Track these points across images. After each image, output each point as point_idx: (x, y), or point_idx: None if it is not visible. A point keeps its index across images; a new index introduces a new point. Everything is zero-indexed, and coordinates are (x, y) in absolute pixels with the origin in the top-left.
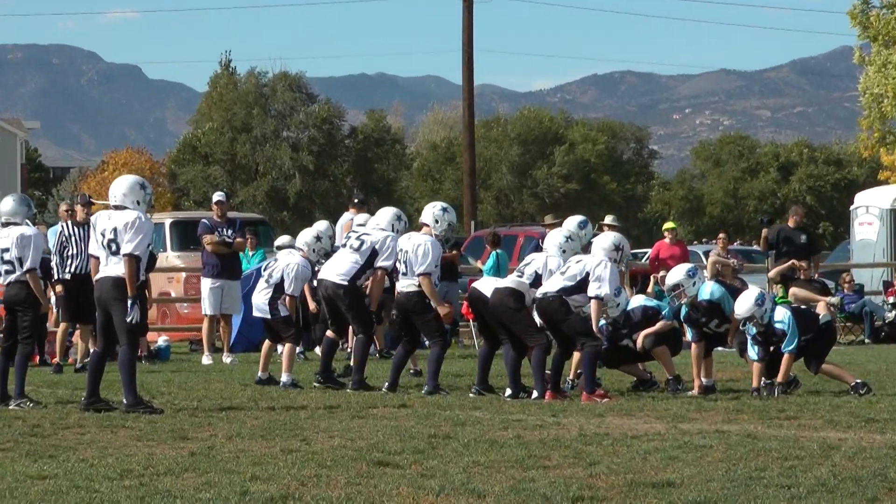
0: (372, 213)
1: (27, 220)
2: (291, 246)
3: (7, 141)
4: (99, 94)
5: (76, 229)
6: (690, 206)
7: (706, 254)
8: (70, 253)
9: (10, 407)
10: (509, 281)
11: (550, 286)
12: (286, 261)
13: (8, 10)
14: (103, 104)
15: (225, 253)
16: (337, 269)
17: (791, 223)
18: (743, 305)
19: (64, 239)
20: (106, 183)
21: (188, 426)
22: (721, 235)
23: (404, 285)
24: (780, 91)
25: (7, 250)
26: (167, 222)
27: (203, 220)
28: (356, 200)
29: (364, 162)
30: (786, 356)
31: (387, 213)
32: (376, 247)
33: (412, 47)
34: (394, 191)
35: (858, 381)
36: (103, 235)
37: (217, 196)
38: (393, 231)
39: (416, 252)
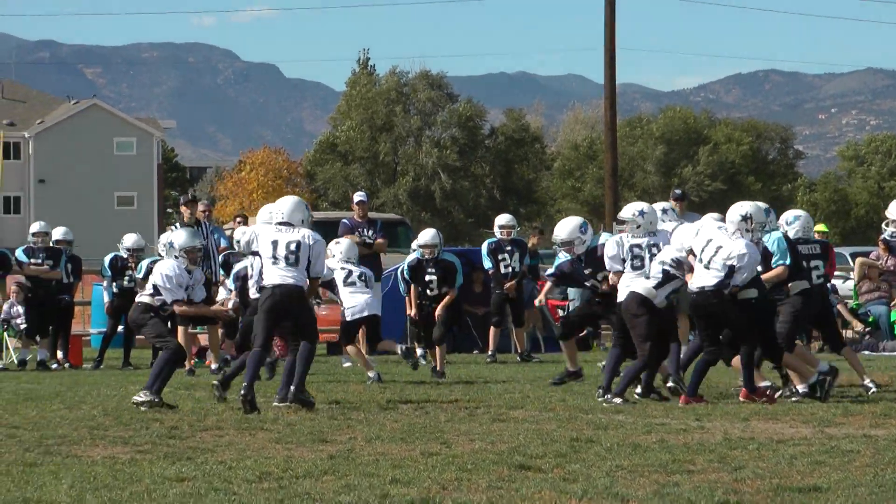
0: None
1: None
2: (435, 245)
3: (144, 140)
4: (235, 93)
5: None
6: (836, 208)
7: (853, 255)
8: None
9: (137, 399)
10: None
11: (704, 280)
12: None
13: (144, 7)
14: (240, 103)
15: (365, 254)
16: None
17: None
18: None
19: None
20: (243, 183)
21: (327, 429)
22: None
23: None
24: None
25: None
26: None
27: (343, 221)
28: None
29: (504, 162)
30: None
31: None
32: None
33: (553, 46)
34: (534, 191)
35: None
36: (274, 246)
37: (358, 196)
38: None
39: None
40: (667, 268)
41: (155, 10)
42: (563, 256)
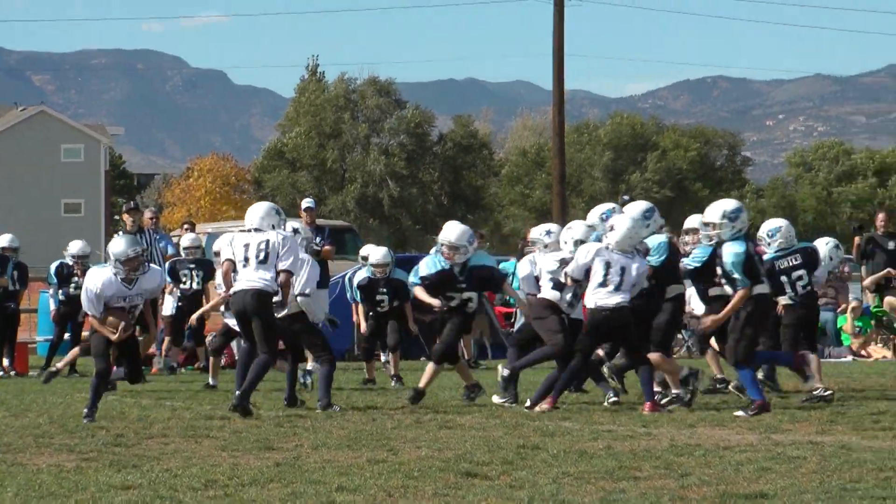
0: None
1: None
2: (387, 265)
3: (91, 147)
4: (184, 99)
5: None
6: (784, 214)
7: None
8: None
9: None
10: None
11: (616, 299)
12: None
13: (93, 14)
14: (188, 110)
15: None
16: None
17: (878, 230)
18: None
19: None
20: (191, 189)
21: (273, 436)
22: None
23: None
24: (875, 96)
25: None
26: None
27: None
28: None
29: (452, 169)
30: None
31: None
32: None
33: (502, 52)
34: (482, 198)
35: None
36: (246, 248)
37: (306, 203)
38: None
39: None
40: (553, 276)
41: (104, 17)
42: (436, 260)
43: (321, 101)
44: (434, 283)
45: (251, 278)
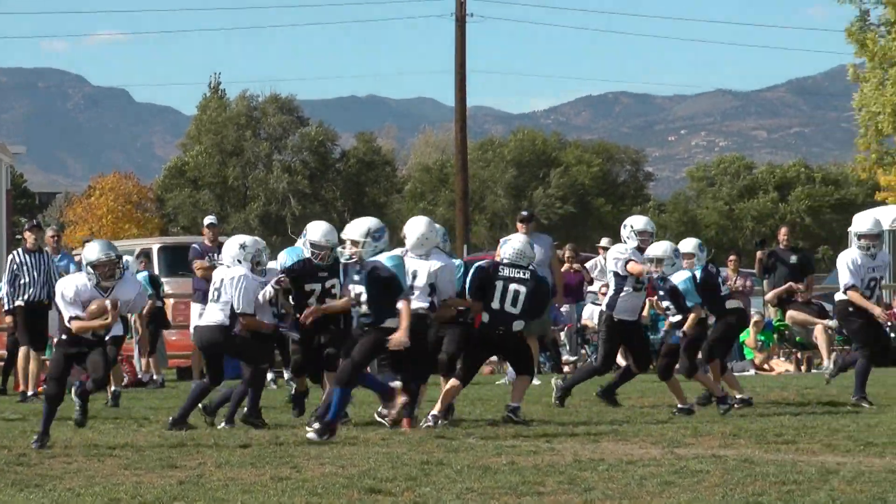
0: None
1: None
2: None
3: None
4: (86, 118)
5: (27, 257)
6: (686, 229)
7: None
8: (23, 282)
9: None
10: None
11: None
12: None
13: None
14: (90, 128)
15: None
16: None
17: (781, 244)
18: None
19: (15, 267)
20: (92, 208)
21: (176, 454)
22: (732, 257)
23: None
24: (776, 111)
25: None
26: (155, 247)
27: (194, 245)
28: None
29: (355, 185)
30: None
31: None
32: None
33: (404, 69)
34: (385, 214)
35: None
36: (213, 283)
37: (208, 220)
38: None
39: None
40: None
41: (3, 36)
42: (298, 252)
43: (223, 119)
44: (297, 274)
45: (207, 316)
